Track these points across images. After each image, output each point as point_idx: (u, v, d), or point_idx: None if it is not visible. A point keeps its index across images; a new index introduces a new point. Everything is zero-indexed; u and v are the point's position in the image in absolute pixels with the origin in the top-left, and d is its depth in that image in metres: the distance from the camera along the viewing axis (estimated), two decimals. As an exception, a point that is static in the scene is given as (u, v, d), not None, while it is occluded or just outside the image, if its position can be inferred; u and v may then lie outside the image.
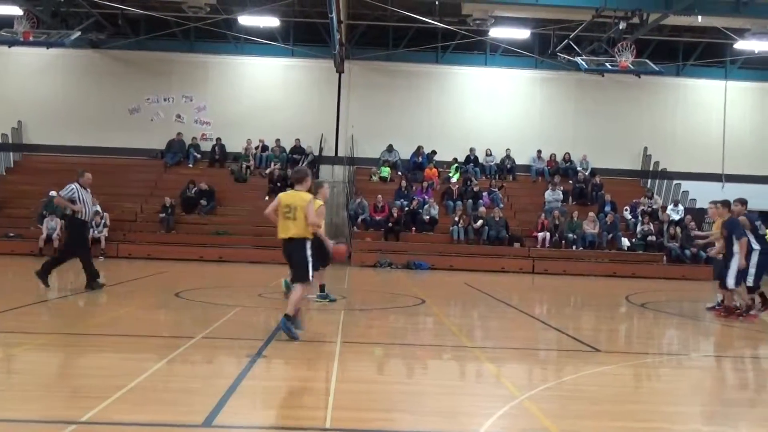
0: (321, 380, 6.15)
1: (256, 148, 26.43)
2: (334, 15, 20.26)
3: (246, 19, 24.17)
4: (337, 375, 6.14)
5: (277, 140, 26.48)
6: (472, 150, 26.73)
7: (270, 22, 24.22)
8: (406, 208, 23.40)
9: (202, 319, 9.47)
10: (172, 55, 26.73)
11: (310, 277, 8.13)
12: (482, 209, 23.04)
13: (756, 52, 24.18)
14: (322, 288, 11.35)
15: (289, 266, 8.31)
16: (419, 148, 26.40)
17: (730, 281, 11.18)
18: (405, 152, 26.60)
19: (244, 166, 25.74)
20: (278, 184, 24.91)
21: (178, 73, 26.85)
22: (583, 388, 6.20)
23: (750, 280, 11.23)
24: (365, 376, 6.31)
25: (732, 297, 11.43)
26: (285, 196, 8.01)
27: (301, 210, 7.78)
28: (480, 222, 22.59)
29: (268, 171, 25.43)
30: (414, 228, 22.97)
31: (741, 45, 23.65)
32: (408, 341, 8.58)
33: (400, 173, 25.78)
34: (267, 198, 24.46)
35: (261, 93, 26.79)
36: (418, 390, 6.00)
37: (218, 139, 26.37)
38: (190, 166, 25.80)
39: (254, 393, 5.53)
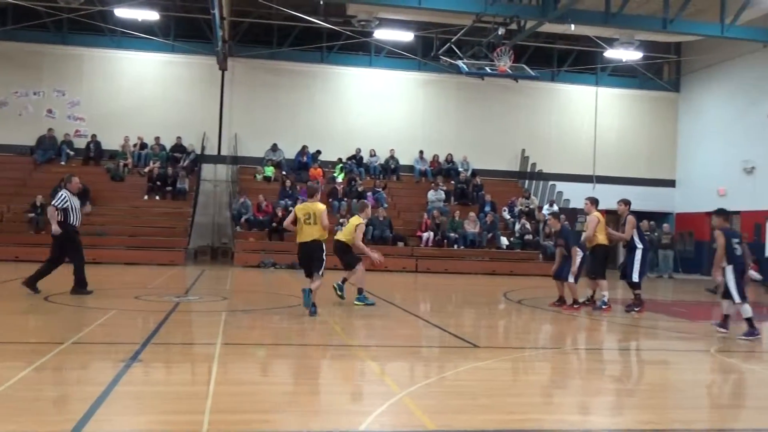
0: (199, 384, 6.00)
1: (134, 145, 25.53)
2: (216, 11, 19.85)
3: (123, 12, 23.28)
4: (216, 378, 6.00)
5: (157, 138, 25.67)
6: (358, 150, 26.88)
7: (149, 15, 23.45)
8: (291, 208, 23.19)
9: (74, 324, 9.04)
10: (42, 47, 25.39)
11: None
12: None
13: (624, 60, 25.58)
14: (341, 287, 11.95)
15: (309, 264, 10.34)
16: (304, 147, 26.30)
17: (635, 276, 12.10)
18: (290, 152, 26.42)
19: (121, 164, 24.79)
20: (158, 183, 24.19)
21: (50, 66, 25.54)
22: (461, 383, 6.35)
23: (635, 276, 12.11)
24: (246, 378, 6.21)
25: (568, 290, 12.39)
26: (301, 207, 10.41)
27: (318, 217, 10.06)
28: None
29: (147, 169, 24.63)
30: (298, 228, 22.80)
31: (610, 53, 24.95)
32: (291, 342, 8.52)
33: (284, 173, 25.58)
34: (146, 197, 23.69)
35: (139, 89, 25.89)
36: (300, 390, 5.96)
37: (93, 136, 25.25)
38: (63, 163, 24.55)
39: (128, 399, 5.33)
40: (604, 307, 12.31)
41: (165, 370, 6.50)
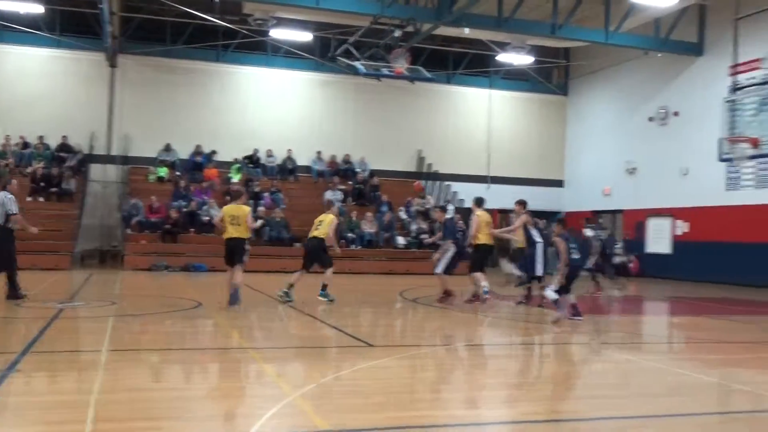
0: (83, 392, 5.76)
1: (16, 144, 24.29)
2: (105, 5, 19.16)
3: (5, 5, 22.10)
4: (102, 386, 5.79)
5: (41, 137, 24.51)
6: (255, 150, 26.54)
7: (33, 8, 22.35)
8: (185, 209, 22.69)
9: (-53, 334, 8.52)
10: None
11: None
12: (262, 209, 22.93)
13: (515, 64, 26.36)
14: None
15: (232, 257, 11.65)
16: (198, 147, 25.74)
17: (538, 270, 12.89)
18: (184, 152, 25.80)
19: (2, 164, 23.53)
20: (42, 184, 23.12)
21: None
22: (355, 382, 6.38)
23: (537, 270, 12.94)
24: (134, 385, 6.02)
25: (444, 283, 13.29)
26: (228, 209, 11.75)
27: (243, 219, 11.52)
28: (260, 222, 22.41)
29: (30, 170, 23.47)
30: (193, 229, 22.33)
31: (503, 57, 25.67)
32: (184, 346, 8.33)
33: (177, 173, 24.94)
34: (29, 199, 22.57)
35: (21, 85, 24.65)
36: (191, 395, 5.83)
37: (-29, 135, 23.88)
38: (-63, 163, 23.08)
39: (4, 411, 5.06)
40: (486, 295, 12.86)
41: (46, 380, 6.23)
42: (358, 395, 5.80)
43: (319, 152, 27.24)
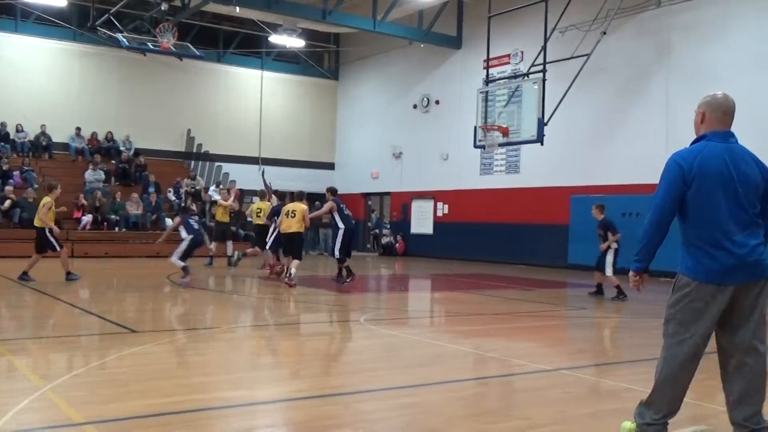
0: None
1: None
2: None
3: None
4: None
5: None
6: (3, 125, 24.10)
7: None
8: None
9: None
10: None
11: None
12: (9, 188, 20.92)
13: (287, 46, 26.38)
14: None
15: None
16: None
17: (337, 252, 14.15)
18: None
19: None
20: None
21: None
22: (114, 371, 6.05)
23: (337, 253, 14.13)
24: None
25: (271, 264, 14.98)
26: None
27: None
28: (8, 203, 20.51)
29: None
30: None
31: (274, 39, 25.57)
32: None
33: None
34: None
35: None
36: None
37: None
38: None
39: None
40: (288, 280, 13.31)
41: None
42: (118, 384, 5.50)
43: (78, 129, 25.35)
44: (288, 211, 13.71)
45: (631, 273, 4.21)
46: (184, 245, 13.52)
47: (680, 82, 17.86)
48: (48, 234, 12.83)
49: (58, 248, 12.99)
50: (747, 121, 15.08)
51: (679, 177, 4.00)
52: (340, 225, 14.06)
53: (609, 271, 12.58)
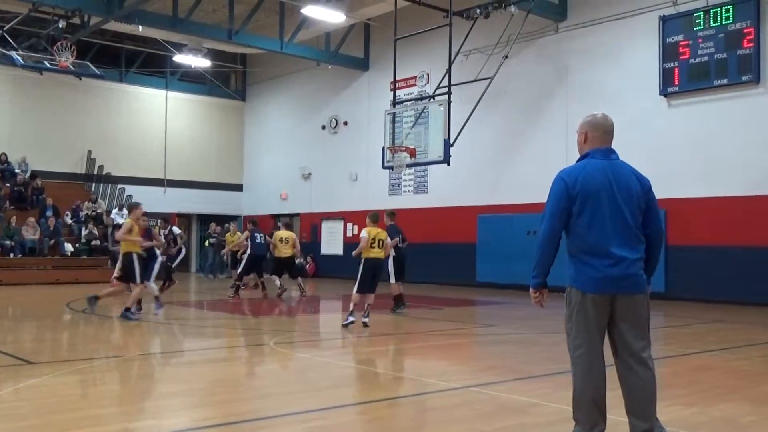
0: None
1: None
2: None
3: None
4: None
5: None
6: None
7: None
8: None
9: None
10: None
11: None
12: None
13: (192, 66, 25.97)
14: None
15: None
16: None
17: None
18: None
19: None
20: None
21: None
22: (9, 404, 5.73)
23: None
24: None
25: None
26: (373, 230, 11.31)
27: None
28: None
29: None
30: None
31: (179, 58, 25.13)
32: None
33: None
34: None
35: None
36: None
37: None
38: None
39: None
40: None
41: None
42: (14, 419, 5.21)
43: (-32, 150, 24.14)
44: (281, 238, 16.44)
45: (531, 290, 4.33)
46: (244, 261, 15.83)
47: (578, 104, 18.58)
48: (135, 260, 11.50)
49: (138, 281, 11.61)
50: (637, 141, 15.96)
51: (564, 192, 4.20)
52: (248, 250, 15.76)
53: (392, 278, 12.93)
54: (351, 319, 10.76)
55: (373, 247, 11.11)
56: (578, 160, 4.41)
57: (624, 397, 4.24)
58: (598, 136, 4.37)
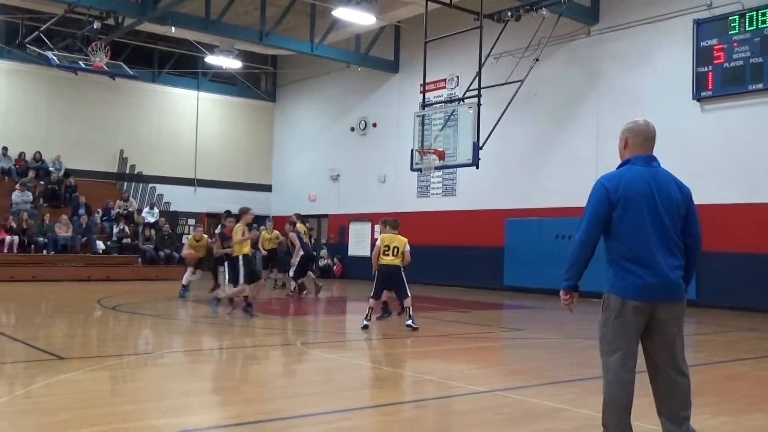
0: None
1: None
2: None
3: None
4: None
5: None
6: None
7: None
8: None
9: None
10: None
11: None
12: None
13: (224, 67, 26.20)
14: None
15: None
16: None
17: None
18: None
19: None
20: None
21: None
22: (40, 399, 5.84)
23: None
24: None
25: None
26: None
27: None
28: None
29: None
30: None
31: (211, 59, 25.37)
32: None
33: None
34: None
35: None
36: None
37: None
38: None
39: None
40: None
41: None
42: (42, 413, 5.31)
43: (5, 148, 24.57)
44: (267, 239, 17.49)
45: (562, 292, 4.32)
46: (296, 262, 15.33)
47: (609, 108, 18.42)
48: (241, 263, 11.97)
49: (241, 281, 12.00)
50: (670, 146, 15.75)
51: (605, 198, 4.17)
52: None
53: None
54: (365, 322, 10.87)
55: (387, 254, 11.17)
56: (619, 167, 4.38)
57: (658, 402, 4.24)
58: (638, 143, 4.34)
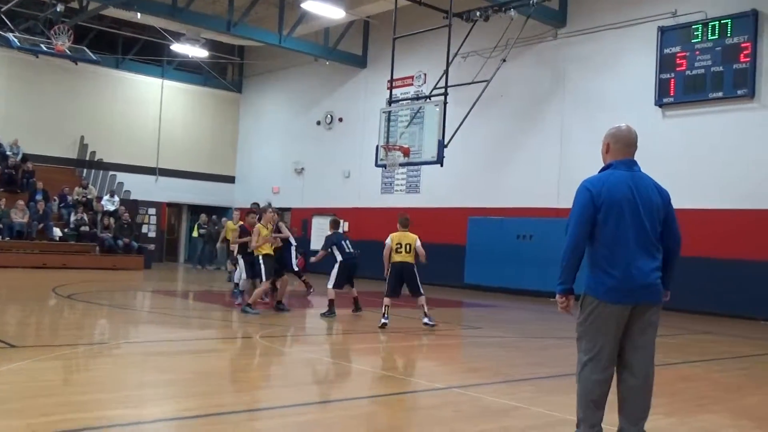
0: None
1: None
2: None
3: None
4: None
5: None
6: None
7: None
8: None
9: None
10: None
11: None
12: None
13: (190, 56, 25.86)
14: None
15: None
16: None
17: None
18: None
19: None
20: None
21: None
22: (-10, 388, 5.71)
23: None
24: None
25: None
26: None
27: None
28: None
29: None
30: None
31: (177, 48, 25.02)
32: None
33: None
34: None
35: None
36: None
37: None
38: None
39: None
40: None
41: None
42: (-7, 402, 5.19)
43: (-40, 131, 23.98)
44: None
45: (558, 296, 4.39)
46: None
47: (573, 111, 18.62)
48: (261, 261, 11.94)
49: (264, 278, 11.98)
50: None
51: (589, 201, 4.26)
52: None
53: (330, 282, 12.63)
54: (383, 321, 10.76)
55: (399, 252, 11.29)
56: (601, 170, 4.48)
57: (620, 401, 4.36)
58: (619, 148, 4.46)
